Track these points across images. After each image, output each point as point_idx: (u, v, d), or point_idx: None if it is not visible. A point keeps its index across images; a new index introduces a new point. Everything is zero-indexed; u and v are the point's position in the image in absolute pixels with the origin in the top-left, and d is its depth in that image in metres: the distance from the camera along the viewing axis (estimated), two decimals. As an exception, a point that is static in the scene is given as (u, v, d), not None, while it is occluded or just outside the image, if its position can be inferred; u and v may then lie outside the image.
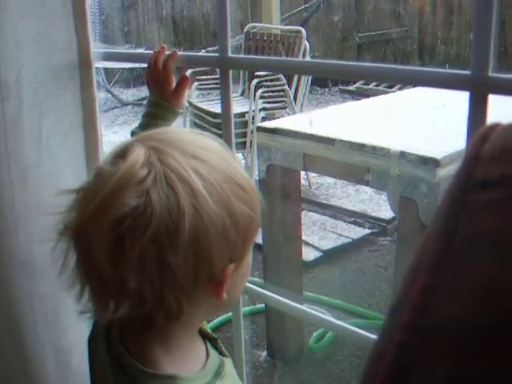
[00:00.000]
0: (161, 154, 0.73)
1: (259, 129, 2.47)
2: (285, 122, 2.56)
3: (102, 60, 1.32)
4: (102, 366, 0.87)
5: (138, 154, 0.73)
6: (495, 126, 0.41)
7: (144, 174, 0.71)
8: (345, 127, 2.39)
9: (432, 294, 0.33)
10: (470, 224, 0.34)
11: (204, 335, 0.91)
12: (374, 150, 2.04)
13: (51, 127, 1.30)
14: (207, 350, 0.90)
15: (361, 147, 2.08)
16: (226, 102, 1.04)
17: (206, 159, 0.75)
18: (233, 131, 1.07)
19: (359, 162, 2.10)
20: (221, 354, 0.92)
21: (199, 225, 0.71)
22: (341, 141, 2.14)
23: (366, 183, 2.15)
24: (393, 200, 2.10)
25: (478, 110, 0.73)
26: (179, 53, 1.13)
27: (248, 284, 1.20)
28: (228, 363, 0.91)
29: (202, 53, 7.94)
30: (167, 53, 1.21)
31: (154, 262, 0.71)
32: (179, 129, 0.86)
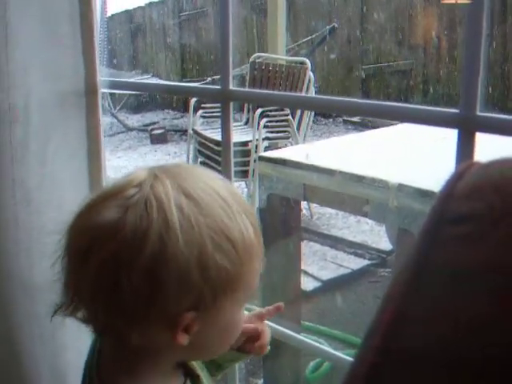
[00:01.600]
0: (156, 180, 0.75)
1: (261, 158, 2.51)
2: (286, 153, 2.59)
3: (109, 88, 1.35)
4: None
5: (138, 176, 0.76)
6: (471, 165, 0.43)
7: (131, 193, 0.73)
8: (345, 159, 2.42)
9: (402, 320, 0.35)
10: (441, 256, 0.36)
11: (187, 373, 0.89)
12: (373, 182, 2.07)
13: (56, 151, 1.33)
14: None
15: (360, 179, 2.10)
16: (226, 134, 1.07)
17: (199, 201, 0.74)
18: (232, 162, 1.09)
19: (358, 194, 2.12)
20: None
21: (161, 256, 0.71)
22: (341, 172, 2.16)
23: (365, 215, 2.18)
24: (391, 232, 2.12)
25: (465, 146, 0.76)
26: (182, 84, 1.15)
27: (245, 312, 1.21)
28: None
29: (209, 80, 8.02)
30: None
31: (108, 278, 0.72)
32: (202, 169, 0.85)
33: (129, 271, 0.71)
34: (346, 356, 1.27)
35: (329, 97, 0.92)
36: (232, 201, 0.77)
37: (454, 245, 0.36)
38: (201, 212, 0.74)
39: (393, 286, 0.37)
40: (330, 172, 2.20)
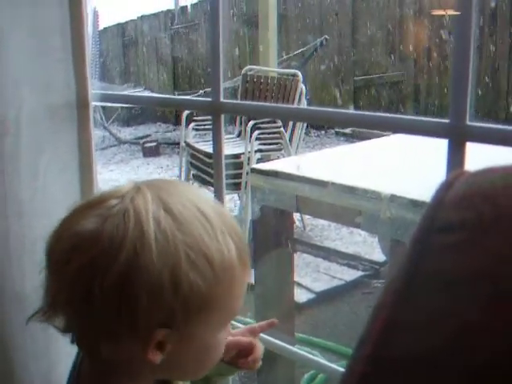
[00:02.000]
0: (138, 193, 0.75)
1: (253, 170, 2.51)
2: (278, 165, 2.60)
3: (100, 101, 1.36)
4: None
5: (122, 188, 0.77)
6: (461, 174, 0.44)
7: (112, 204, 0.75)
8: (338, 170, 2.43)
9: (393, 328, 0.35)
10: (431, 265, 0.36)
11: None
12: (366, 193, 2.07)
13: (48, 165, 1.33)
14: None
15: (352, 190, 2.11)
16: (217, 146, 1.07)
17: (178, 217, 0.74)
18: (223, 174, 1.09)
19: (351, 205, 2.13)
20: None
21: (133, 266, 0.71)
22: (333, 184, 2.17)
23: (358, 226, 2.18)
24: (384, 243, 2.12)
25: (455, 156, 0.77)
26: (173, 96, 1.16)
27: (238, 324, 1.21)
28: None
29: (201, 92, 8.03)
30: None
31: (82, 286, 0.73)
32: (190, 187, 0.86)
33: (102, 279, 0.71)
34: (339, 367, 1.27)
35: (320, 108, 0.92)
36: (217, 220, 0.77)
37: (444, 253, 0.37)
38: (179, 227, 0.73)
39: (384, 295, 0.37)
40: (322, 183, 2.20)
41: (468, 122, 0.74)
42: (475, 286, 0.34)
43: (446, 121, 0.77)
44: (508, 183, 0.39)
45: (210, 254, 0.74)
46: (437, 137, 0.80)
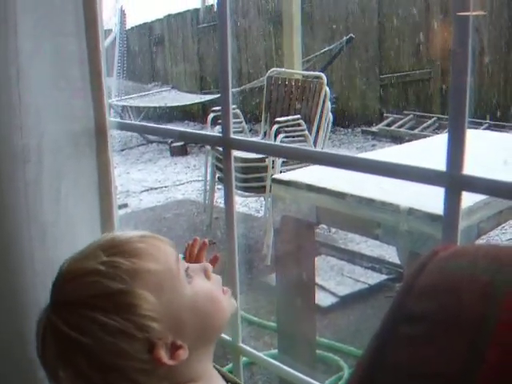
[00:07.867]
0: None
1: (274, 181, 2.53)
2: (298, 175, 2.62)
3: (117, 129, 1.40)
4: None
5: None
6: (434, 255, 0.46)
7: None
8: (356, 180, 2.43)
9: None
10: (393, 356, 0.39)
11: (228, 380, 0.99)
12: (383, 206, 2.08)
13: (69, 189, 1.37)
14: None
15: (370, 202, 2.12)
16: (228, 180, 1.10)
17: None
18: (234, 209, 1.12)
19: (369, 217, 2.14)
20: None
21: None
22: (352, 195, 2.18)
23: (376, 237, 2.19)
24: (402, 255, 2.13)
25: (452, 204, 0.79)
26: (186, 130, 1.19)
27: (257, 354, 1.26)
28: None
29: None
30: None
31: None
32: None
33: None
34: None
35: (332, 152, 0.96)
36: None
37: (406, 346, 0.39)
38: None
39: (350, 381, 0.40)
40: (341, 195, 2.22)
41: (464, 172, 0.76)
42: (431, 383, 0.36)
43: (443, 170, 0.79)
44: (475, 273, 0.41)
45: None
46: (434, 185, 0.83)
